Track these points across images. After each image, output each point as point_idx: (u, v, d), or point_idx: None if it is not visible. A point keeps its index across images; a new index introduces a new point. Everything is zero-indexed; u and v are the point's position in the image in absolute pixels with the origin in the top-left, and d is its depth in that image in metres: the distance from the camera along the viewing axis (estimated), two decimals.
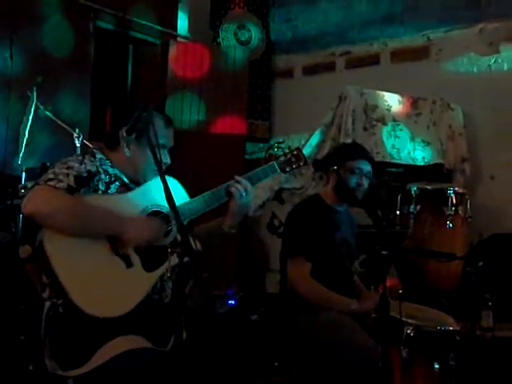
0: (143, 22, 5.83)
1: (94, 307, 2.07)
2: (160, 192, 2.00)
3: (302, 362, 2.84)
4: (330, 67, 6.30)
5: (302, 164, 2.59)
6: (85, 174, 2.19)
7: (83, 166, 2.20)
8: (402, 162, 4.81)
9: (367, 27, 6.04)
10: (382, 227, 3.22)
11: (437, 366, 2.71)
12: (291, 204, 4.00)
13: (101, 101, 5.73)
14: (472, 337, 3.17)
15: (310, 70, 6.45)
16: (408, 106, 5.00)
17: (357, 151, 3.13)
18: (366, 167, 3.06)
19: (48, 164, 3.70)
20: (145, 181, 2.36)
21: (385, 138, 4.79)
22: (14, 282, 3.53)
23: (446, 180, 4.83)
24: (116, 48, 6.07)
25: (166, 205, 2.01)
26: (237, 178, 2.42)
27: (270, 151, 2.65)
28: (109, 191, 2.28)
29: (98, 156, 2.32)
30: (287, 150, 2.58)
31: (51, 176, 2.13)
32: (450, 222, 4.08)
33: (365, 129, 4.78)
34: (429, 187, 4.28)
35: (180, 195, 2.38)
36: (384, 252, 2.47)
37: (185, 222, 2.27)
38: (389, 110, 4.91)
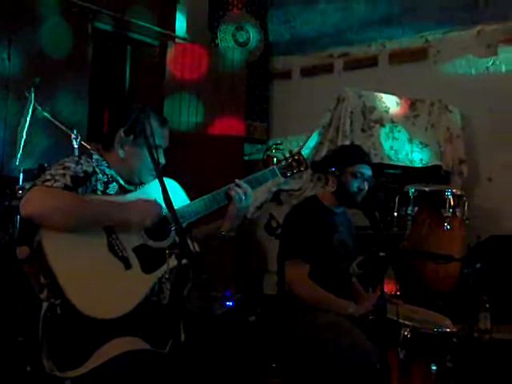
0: (141, 23, 5.82)
1: (92, 308, 2.07)
2: (159, 194, 2.00)
3: (300, 363, 2.84)
4: (328, 69, 6.31)
5: (302, 169, 2.59)
6: (81, 174, 2.19)
7: (79, 166, 2.21)
8: (400, 164, 4.82)
9: (365, 29, 6.05)
10: (380, 229, 3.23)
11: (434, 368, 2.71)
12: (289, 205, 4.00)
13: (99, 102, 5.72)
14: (469, 339, 3.18)
15: (308, 72, 6.45)
16: (406, 108, 5.01)
17: (358, 155, 3.12)
18: (368, 171, 3.07)
19: (46, 165, 3.69)
20: (140, 181, 2.37)
21: (383, 140, 4.80)
22: (12, 283, 3.53)
23: (444, 182, 4.84)
24: (114, 49, 6.07)
25: (165, 206, 2.01)
26: (237, 181, 2.42)
27: (268, 152, 2.63)
28: (107, 191, 2.28)
29: (95, 157, 2.33)
30: (288, 154, 2.58)
31: (48, 177, 2.13)
32: (448, 224, 4.09)
33: (363, 130, 4.79)
34: (426, 189, 4.29)
35: (179, 197, 2.38)
36: (382, 253, 2.47)
37: (184, 225, 2.28)
38: (387, 112, 4.92)
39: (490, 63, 5.28)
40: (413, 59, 5.72)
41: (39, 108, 4.00)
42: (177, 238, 2.16)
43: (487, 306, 3.44)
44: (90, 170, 2.23)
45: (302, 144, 5.01)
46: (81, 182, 2.18)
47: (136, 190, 2.36)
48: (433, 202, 4.18)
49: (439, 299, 3.73)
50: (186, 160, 5.54)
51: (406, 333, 2.68)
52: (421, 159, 4.89)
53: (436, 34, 5.59)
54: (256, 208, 4.75)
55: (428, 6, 5.60)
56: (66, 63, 5.14)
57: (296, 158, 2.58)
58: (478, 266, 3.17)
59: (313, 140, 4.89)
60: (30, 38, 4.90)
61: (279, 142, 3.67)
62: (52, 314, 2.13)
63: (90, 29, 5.42)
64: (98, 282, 2.12)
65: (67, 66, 5.15)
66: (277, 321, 3.02)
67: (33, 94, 3.99)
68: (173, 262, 2.08)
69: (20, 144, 4.02)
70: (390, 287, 3.12)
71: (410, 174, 4.81)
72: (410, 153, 4.85)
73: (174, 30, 6.23)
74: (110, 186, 2.30)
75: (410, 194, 4.19)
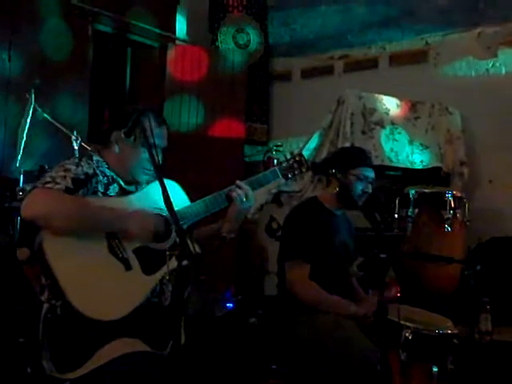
0: (142, 25, 5.82)
1: (93, 310, 2.07)
2: (160, 195, 2.00)
3: (301, 364, 2.83)
4: (328, 71, 6.30)
5: (304, 170, 2.58)
6: (82, 177, 2.19)
7: (80, 168, 2.21)
8: (401, 166, 4.81)
9: (365, 31, 6.04)
10: (380, 230, 3.23)
11: (435, 370, 2.70)
12: (290, 207, 3.99)
13: (99, 103, 5.72)
14: (470, 340, 3.17)
15: (309, 74, 6.45)
16: (406, 110, 5.01)
17: (363, 158, 3.12)
18: (371, 174, 3.07)
19: (46, 167, 3.69)
20: (133, 178, 2.36)
21: (383, 142, 4.79)
22: (13, 285, 3.53)
23: (444, 184, 4.84)
24: (114, 51, 6.07)
25: (166, 208, 2.01)
26: (238, 182, 2.42)
27: (269, 154, 2.63)
28: (108, 192, 2.29)
29: (95, 158, 2.33)
30: (289, 156, 2.57)
31: (48, 179, 2.14)
32: (449, 226, 4.08)
33: (363, 132, 4.78)
34: (427, 191, 4.28)
35: (180, 198, 2.39)
36: (382, 255, 2.47)
37: (185, 226, 2.28)
38: (387, 114, 4.91)
39: (490, 65, 5.28)
40: (413, 61, 5.72)
41: (39, 109, 4.00)
42: (177, 240, 2.16)
43: (488, 307, 3.43)
44: (90, 171, 2.23)
45: (302, 146, 5.01)
46: (82, 184, 2.18)
47: (137, 190, 2.36)
48: (433, 203, 4.17)
49: (440, 301, 3.72)
50: (187, 161, 5.54)
51: (407, 334, 2.68)
52: (421, 161, 4.89)
53: (436, 36, 5.59)
54: (256, 209, 4.75)
55: (428, 8, 5.60)
56: (66, 65, 5.13)
57: (297, 159, 2.57)
58: (479, 267, 3.17)
59: (313, 142, 4.89)
60: (31, 40, 4.90)
61: (279, 143, 3.68)
62: (52, 316, 2.14)
63: (90, 30, 5.41)
64: (99, 284, 2.13)
65: (67, 68, 5.14)
66: (277, 322, 3.01)
67: (33, 96, 3.98)
68: (173, 263, 2.07)
69: (20, 146, 4.02)
70: (392, 291, 3.11)
71: (411, 175, 4.81)
72: (410, 154, 4.85)
73: (174, 32, 6.22)
74: (111, 187, 2.30)
75: (411, 196, 4.18)
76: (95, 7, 5.36)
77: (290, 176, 2.57)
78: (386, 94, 4.99)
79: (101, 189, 2.26)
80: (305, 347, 2.82)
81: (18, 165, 4.00)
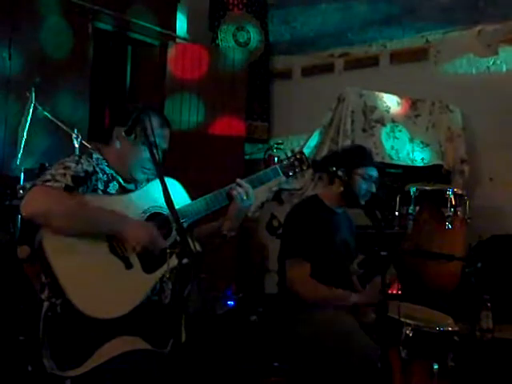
0: (142, 23, 5.82)
1: (93, 308, 2.07)
2: (161, 193, 1.99)
3: (302, 362, 2.83)
4: (328, 69, 6.30)
5: (305, 168, 2.57)
6: (82, 174, 2.19)
7: (80, 165, 2.21)
8: (401, 163, 4.81)
9: (366, 29, 6.04)
10: (381, 228, 3.22)
11: (436, 367, 2.70)
12: (290, 205, 3.99)
13: (100, 101, 5.73)
14: (471, 338, 3.17)
15: (309, 72, 6.45)
16: (407, 108, 5.01)
17: (368, 157, 3.11)
18: (375, 173, 3.07)
19: (47, 165, 3.69)
20: (131, 176, 2.36)
21: (384, 139, 4.79)
22: (13, 283, 3.53)
23: (445, 181, 4.83)
24: (115, 49, 6.06)
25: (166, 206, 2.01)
26: (238, 181, 2.41)
27: (270, 152, 2.63)
28: (108, 190, 2.28)
29: (95, 156, 2.33)
30: (290, 153, 2.56)
31: (48, 177, 2.13)
32: (449, 223, 4.07)
33: (364, 130, 4.78)
34: (428, 188, 4.27)
35: (181, 196, 2.38)
36: (383, 253, 2.47)
37: (185, 224, 2.27)
38: (388, 112, 4.91)
39: (491, 63, 5.28)
40: (413, 59, 5.71)
41: (40, 108, 4.01)
42: (178, 238, 2.15)
43: (489, 305, 3.43)
44: (90, 169, 2.23)
45: (302, 143, 5.01)
46: (81, 182, 2.18)
47: (137, 189, 2.36)
48: (434, 201, 4.17)
49: (441, 298, 3.72)
50: (187, 160, 5.53)
51: (407, 332, 2.68)
52: (422, 159, 4.89)
53: (436, 34, 5.59)
54: (257, 207, 4.74)
55: (428, 6, 5.59)
56: (66, 63, 5.13)
57: (298, 157, 2.56)
58: (480, 265, 3.17)
59: (314, 139, 4.88)
60: (31, 38, 4.90)
61: (280, 141, 3.68)
62: (53, 314, 2.13)
63: (90, 28, 5.41)
64: (99, 282, 2.13)
65: (68, 66, 5.14)
66: (278, 320, 3.01)
67: (33, 94, 3.99)
68: (173, 261, 2.07)
69: (21, 144, 4.02)
70: (392, 288, 3.12)
71: (411, 173, 4.80)
72: (411, 152, 4.85)
73: (174, 30, 6.22)
74: (111, 184, 2.30)
75: (412, 194, 4.18)
76: (95, 5, 5.36)
77: (290, 174, 2.56)
78: (386, 92, 4.99)
79: (100, 186, 2.26)
80: (305, 345, 2.82)
81: (18, 163, 4.01)
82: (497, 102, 5.04)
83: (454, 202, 4.10)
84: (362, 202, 3.02)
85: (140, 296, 2.16)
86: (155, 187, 2.26)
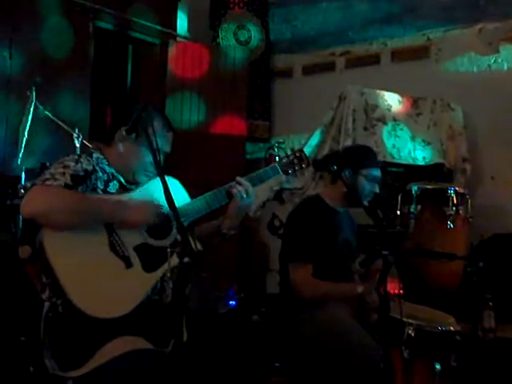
0: (143, 22, 5.82)
1: (94, 308, 2.06)
2: (161, 192, 1.99)
3: (304, 362, 2.82)
4: (329, 67, 6.29)
5: (304, 166, 2.57)
6: (81, 173, 2.19)
7: (79, 164, 2.21)
8: (403, 162, 4.80)
9: (367, 27, 6.03)
10: (383, 227, 3.21)
11: (438, 367, 2.70)
12: (292, 204, 3.99)
13: (100, 101, 5.72)
14: (473, 337, 3.16)
15: (310, 70, 6.44)
16: (408, 106, 5.00)
17: (373, 158, 3.11)
18: (379, 174, 3.06)
19: (48, 164, 3.69)
20: (134, 178, 2.36)
21: (385, 138, 4.78)
22: (14, 283, 3.53)
23: (447, 180, 4.82)
24: (115, 48, 6.06)
25: (167, 205, 2.00)
26: (238, 179, 2.41)
27: (271, 151, 2.63)
28: (108, 189, 2.28)
29: (95, 155, 2.33)
30: (290, 152, 2.56)
31: (48, 176, 2.13)
32: (451, 222, 4.06)
33: (365, 128, 4.77)
34: (429, 187, 4.26)
35: (181, 195, 2.38)
36: (384, 252, 2.46)
37: (186, 223, 2.27)
38: (389, 110, 4.90)
39: (492, 61, 5.27)
40: (415, 57, 5.70)
41: (41, 107, 4.00)
42: (178, 237, 2.15)
43: (491, 304, 3.42)
44: (89, 168, 2.23)
45: (303, 142, 5.00)
46: (81, 181, 2.17)
47: (137, 188, 2.36)
48: (436, 200, 4.16)
49: (442, 298, 3.71)
50: (188, 159, 5.53)
51: (409, 331, 2.67)
52: (423, 157, 4.87)
53: (437, 32, 5.58)
54: (258, 207, 4.73)
55: (429, 4, 5.58)
56: (67, 62, 5.13)
57: (297, 155, 2.56)
58: (482, 264, 3.16)
59: (315, 138, 4.87)
60: (32, 37, 4.89)
61: (281, 140, 3.68)
62: (54, 314, 2.13)
63: (91, 27, 5.40)
64: (100, 282, 2.12)
65: (68, 65, 5.14)
66: (280, 320, 3.01)
67: (34, 93, 3.99)
68: (174, 260, 2.06)
69: (22, 143, 4.02)
70: (393, 286, 3.10)
71: (413, 172, 4.79)
72: (412, 151, 4.84)
73: (175, 29, 6.22)
74: (111, 184, 2.30)
75: (413, 192, 4.17)
76: (96, 4, 5.36)
77: (290, 172, 2.56)
78: (387, 90, 4.97)
79: (100, 185, 2.26)
80: (307, 344, 2.82)
81: (19, 162, 4.00)
82: (498, 100, 5.03)
83: (455, 201, 4.09)
84: (365, 203, 3.00)
85: (141, 295, 2.16)
86: (155, 186, 2.25)
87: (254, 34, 6.55)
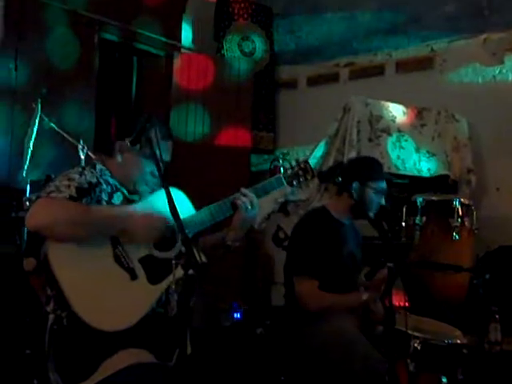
0: (148, 34, 5.83)
1: (99, 320, 2.06)
2: (165, 203, 1.99)
3: (309, 375, 2.81)
4: (334, 78, 6.30)
5: (309, 177, 2.56)
6: (85, 186, 2.19)
7: (83, 177, 2.21)
8: (408, 173, 4.79)
9: (371, 38, 6.04)
10: (388, 239, 3.20)
11: (444, 380, 2.69)
12: (297, 216, 3.97)
13: (105, 112, 5.73)
14: (480, 350, 3.14)
15: (314, 81, 6.45)
16: (413, 117, 4.99)
17: (379, 170, 3.10)
18: (386, 186, 3.05)
19: (53, 176, 3.68)
20: (134, 189, 2.36)
21: (390, 149, 4.77)
22: (19, 295, 3.52)
23: (452, 191, 4.80)
24: (121, 60, 6.08)
25: (171, 216, 2.00)
26: (243, 190, 2.40)
27: (275, 162, 2.61)
28: (112, 201, 2.28)
29: (98, 167, 2.33)
30: (294, 163, 2.55)
31: (53, 188, 2.14)
32: (457, 234, 4.05)
33: (370, 140, 4.76)
34: (435, 198, 4.25)
35: (185, 207, 2.37)
36: (390, 264, 2.45)
37: (190, 235, 2.26)
38: (394, 121, 4.89)
39: (497, 72, 5.26)
40: (419, 68, 5.71)
41: (46, 119, 4.01)
42: (183, 248, 2.14)
43: (497, 317, 3.40)
44: (94, 180, 2.23)
45: (308, 154, 5.00)
46: (85, 193, 2.18)
47: (141, 199, 2.35)
48: (441, 211, 4.15)
49: (448, 310, 3.69)
50: (193, 170, 5.53)
51: (415, 344, 2.66)
52: (428, 169, 4.86)
53: (442, 43, 5.58)
54: (263, 219, 4.73)
55: (433, 14, 5.59)
56: (72, 73, 5.14)
57: (302, 166, 2.55)
58: (488, 276, 3.14)
59: (320, 150, 4.87)
60: (37, 49, 4.91)
61: (286, 151, 3.67)
62: (58, 327, 2.12)
63: (96, 39, 5.42)
64: (104, 294, 2.12)
65: (74, 77, 5.15)
66: (285, 333, 2.99)
67: (39, 105, 4.00)
68: (179, 272, 2.06)
69: (27, 155, 4.02)
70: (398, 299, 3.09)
71: (418, 183, 4.78)
72: (417, 162, 4.83)
73: (179, 41, 6.24)
74: (115, 195, 2.30)
75: (418, 204, 4.16)
76: (102, 16, 5.38)
77: (294, 183, 2.54)
78: (392, 101, 4.97)
79: (105, 197, 2.26)
80: (312, 358, 2.80)
81: (24, 175, 4.00)
82: (503, 111, 5.02)
83: (460, 213, 4.08)
84: (372, 215, 2.99)
85: (145, 307, 2.15)
86: (160, 197, 2.24)
87: (258, 45, 6.57)
